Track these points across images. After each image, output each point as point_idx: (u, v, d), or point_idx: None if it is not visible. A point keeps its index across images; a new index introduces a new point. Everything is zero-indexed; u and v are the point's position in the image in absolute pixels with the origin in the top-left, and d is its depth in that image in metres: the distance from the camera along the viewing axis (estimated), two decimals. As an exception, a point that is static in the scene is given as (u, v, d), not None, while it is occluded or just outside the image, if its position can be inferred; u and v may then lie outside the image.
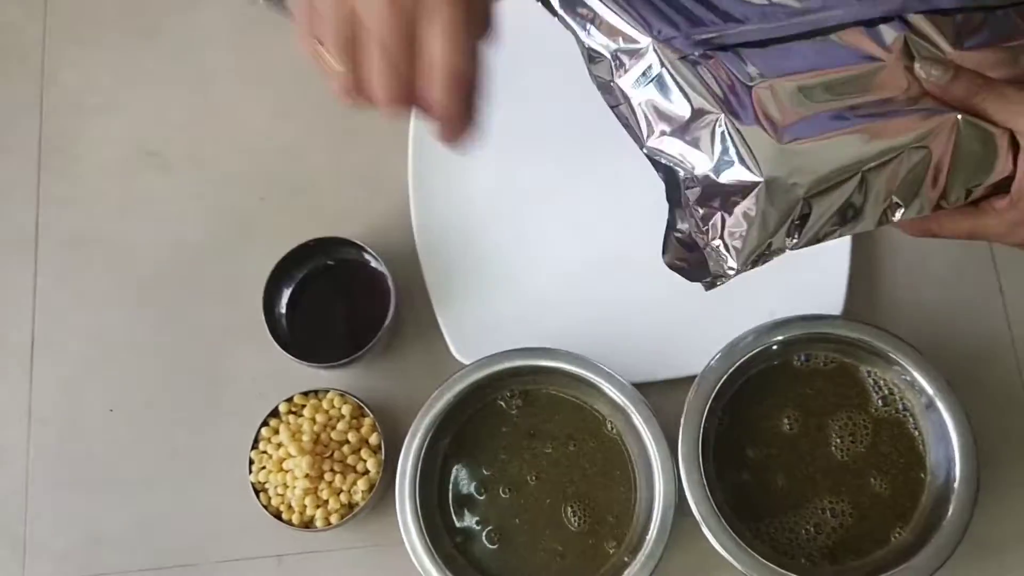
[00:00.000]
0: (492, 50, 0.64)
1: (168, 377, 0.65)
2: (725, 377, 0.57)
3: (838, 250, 0.61)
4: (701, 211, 0.42)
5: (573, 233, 0.64)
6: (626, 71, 0.43)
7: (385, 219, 0.66)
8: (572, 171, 0.65)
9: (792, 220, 0.41)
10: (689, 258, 0.45)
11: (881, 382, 0.58)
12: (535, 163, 0.65)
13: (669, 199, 0.44)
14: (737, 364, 0.57)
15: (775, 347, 0.58)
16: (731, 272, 0.43)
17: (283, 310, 0.63)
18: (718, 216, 0.42)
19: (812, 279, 0.61)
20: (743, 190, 0.40)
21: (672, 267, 0.47)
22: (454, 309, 0.63)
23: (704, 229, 0.42)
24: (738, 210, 0.41)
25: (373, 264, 0.63)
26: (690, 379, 0.57)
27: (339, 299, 0.64)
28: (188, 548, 0.62)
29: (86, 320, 0.67)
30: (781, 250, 0.43)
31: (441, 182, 0.65)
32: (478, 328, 0.62)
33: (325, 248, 0.63)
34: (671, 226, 0.45)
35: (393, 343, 0.64)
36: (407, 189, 0.65)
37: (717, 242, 0.42)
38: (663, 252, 0.47)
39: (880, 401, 0.58)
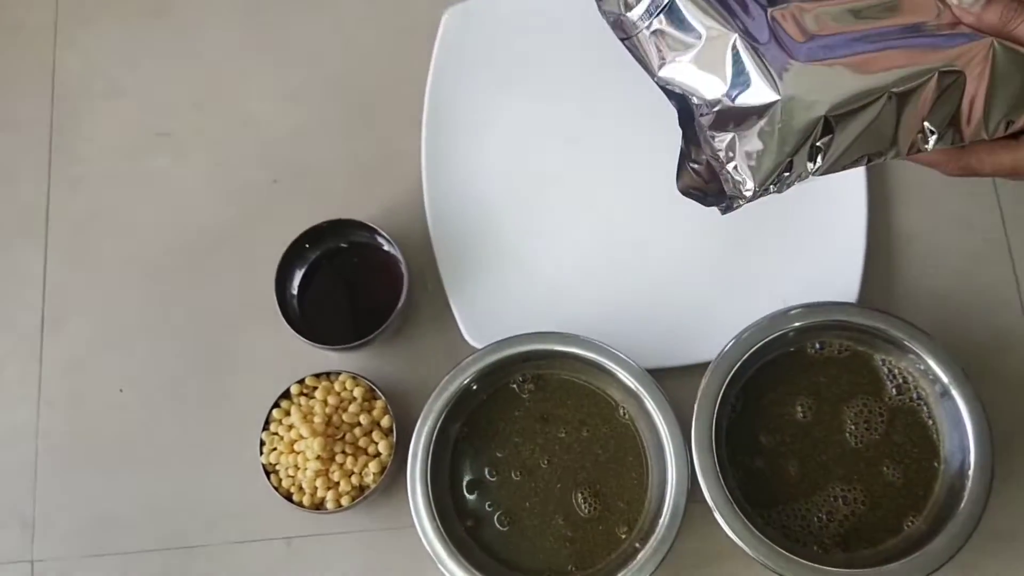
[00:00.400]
0: (505, 36, 0.64)
1: (178, 358, 0.65)
2: (738, 364, 0.56)
3: (853, 237, 0.61)
4: (716, 136, 0.41)
5: (587, 218, 0.64)
6: (637, 3, 0.43)
7: (398, 202, 0.66)
8: (587, 155, 0.65)
9: (813, 141, 0.40)
10: (704, 185, 0.45)
11: (896, 370, 0.58)
12: (549, 147, 0.65)
13: (683, 127, 0.44)
14: (751, 351, 0.57)
15: (789, 334, 0.57)
16: (748, 194, 0.42)
17: (295, 292, 0.63)
18: (733, 138, 0.41)
19: (827, 266, 0.61)
20: (760, 110, 0.40)
21: (686, 193, 0.46)
22: (466, 293, 0.63)
23: (719, 153, 0.42)
24: (755, 130, 0.40)
25: (386, 247, 0.62)
26: (703, 366, 0.57)
27: (352, 282, 0.64)
28: (197, 529, 0.62)
29: (96, 301, 0.67)
30: (803, 175, 0.42)
31: (455, 165, 0.65)
32: (490, 312, 0.62)
33: (338, 230, 0.63)
34: (685, 155, 0.45)
35: (405, 326, 0.64)
36: (420, 172, 0.64)
37: (733, 164, 0.41)
38: (677, 179, 0.46)
39: (894, 390, 0.58)
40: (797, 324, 0.57)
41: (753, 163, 0.41)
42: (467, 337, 0.62)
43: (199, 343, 0.66)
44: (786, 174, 0.41)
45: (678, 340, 0.61)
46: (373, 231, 0.62)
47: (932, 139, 0.42)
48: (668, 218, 0.63)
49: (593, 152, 0.65)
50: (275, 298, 0.61)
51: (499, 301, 0.62)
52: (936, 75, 0.40)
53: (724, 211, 0.45)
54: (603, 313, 0.61)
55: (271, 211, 0.67)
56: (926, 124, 0.41)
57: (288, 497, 0.58)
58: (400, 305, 0.60)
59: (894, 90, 0.40)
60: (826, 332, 0.58)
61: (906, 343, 0.56)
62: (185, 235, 0.68)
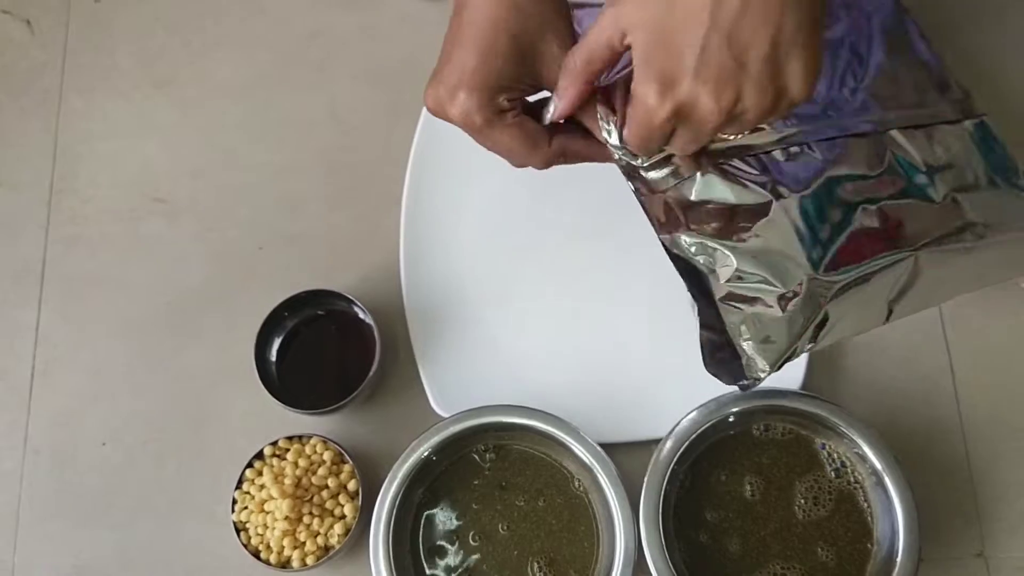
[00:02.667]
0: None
1: (160, 415, 0.68)
2: (687, 443, 0.60)
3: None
4: (728, 308, 0.48)
5: (553, 298, 0.67)
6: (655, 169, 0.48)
7: (376, 273, 0.69)
8: (556, 239, 0.68)
9: (814, 324, 0.47)
10: (723, 358, 0.50)
11: (835, 455, 0.61)
12: (521, 229, 0.69)
13: (692, 295, 0.49)
14: (699, 431, 0.60)
15: (733, 418, 0.61)
16: (762, 375, 0.48)
17: (273, 357, 0.66)
18: (744, 314, 0.48)
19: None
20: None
21: (715, 375, 0.51)
22: (436, 363, 0.66)
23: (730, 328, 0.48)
24: (765, 311, 0.47)
25: (361, 316, 0.66)
26: (655, 442, 0.60)
27: (327, 348, 0.67)
28: (169, 581, 0.64)
29: (85, 355, 0.70)
30: (800, 352, 0.49)
31: (431, 242, 0.68)
32: (458, 382, 0.65)
33: (316, 299, 0.66)
34: (703, 325, 0.50)
35: (376, 393, 0.67)
36: (398, 246, 0.68)
37: (747, 345, 0.48)
38: (704, 363, 0.51)
39: (833, 473, 0.61)
40: (742, 407, 0.60)
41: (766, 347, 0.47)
42: (434, 406, 0.64)
43: (180, 401, 0.68)
44: (791, 356, 0.48)
45: (633, 417, 0.64)
46: (350, 301, 0.65)
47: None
48: (629, 302, 0.66)
49: (563, 237, 0.68)
50: (255, 363, 0.64)
51: (466, 372, 0.65)
52: None
53: (743, 389, 0.51)
54: (563, 388, 0.64)
55: (255, 276, 0.71)
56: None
57: (256, 555, 0.61)
58: (372, 373, 0.63)
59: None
60: (770, 416, 0.62)
61: (843, 429, 0.60)
62: (173, 296, 0.71)
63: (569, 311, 0.67)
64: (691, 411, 0.61)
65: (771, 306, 0.47)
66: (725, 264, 0.47)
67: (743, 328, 0.47)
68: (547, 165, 0.49)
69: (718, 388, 0.60)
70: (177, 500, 0.66)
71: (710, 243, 0.47)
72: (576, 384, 0.65)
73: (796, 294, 0.46)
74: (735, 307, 0.47)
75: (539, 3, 0.45)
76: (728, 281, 0.47)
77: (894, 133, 0.52)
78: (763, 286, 0.47)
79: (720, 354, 0.50)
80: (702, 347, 0.50)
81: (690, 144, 0.44)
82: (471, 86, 0.45)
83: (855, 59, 0.55)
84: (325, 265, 0.70)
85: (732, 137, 0.48)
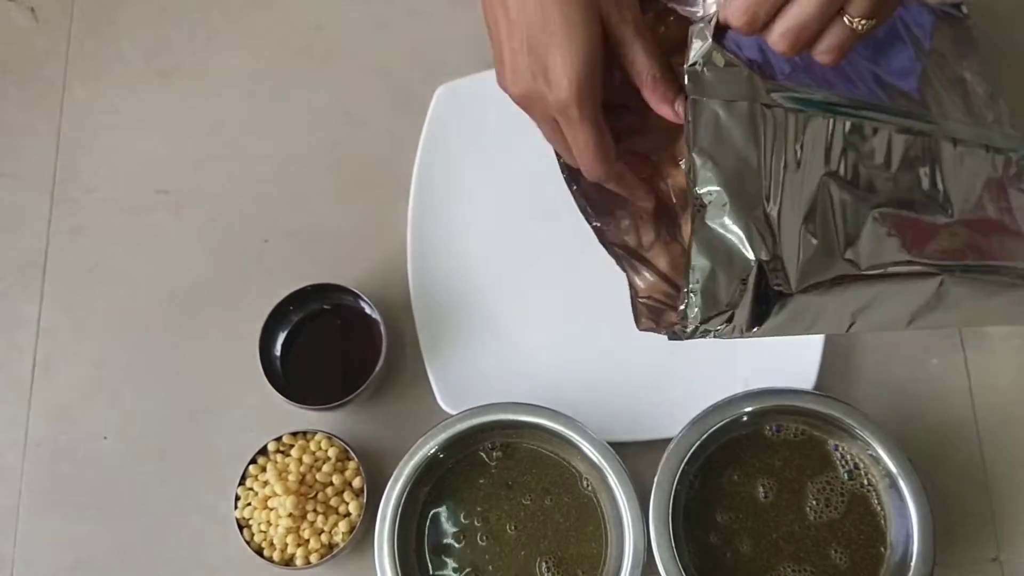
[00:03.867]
0: (492, 114, 0.67)
1: (163, 409, 0.67)
2: (698, 443, 0.59)
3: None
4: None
5: (562, 293, 0.67)
6: None
7: (382, 268, 0.68)
8: (565, 233, 0.66)
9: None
10: (657, 320, 0.51)
11: (848, 456, 0.60)
12: (530, 223, 0.68)
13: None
14: (710, 431, 0.59)
15: (745, 418, 0.60)
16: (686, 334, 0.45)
17: (278, 352, 0.66)
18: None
19: (787, 352, 0.63)
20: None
21: (647, 329, 0.51)
22: (443, 360, 0.65)
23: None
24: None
25: (367, 311, 0.65)
26: (666, 441, 0.59)
27: (332, 343, 0.66)
28: (170, 578, 0.64)
29: (87, 349, 0.69)
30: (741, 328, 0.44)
31: (439, 236, 0.68)
32: (465, 380, 0.64)
33: (322, 293, 0.65)
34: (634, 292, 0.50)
35: (382, 389, 0.66)
36: (405, 240, 0.67)
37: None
38: (635, 320, 0.51)
39: (846, 475, 0.60)
40: (755, 407, 0.60)
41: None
42: (441, 403, 0.63)
43: (183, 395, 0.67)
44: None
45: (642, 416, 0.63)
46: (356, 296, 0.64)
47: None
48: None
49: (572, 232, 0.65)
50: (259, 357, 0.63)
51: (474, 369, 0.64)
52: None
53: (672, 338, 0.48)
54: (572, 386, 0.63)
55: (260, 270, 0.70)
56: None
57: (259, 552, 0.60)
58: (378, 369, 0.62)
59: None
60: (782, 416, 0.61)
61: (857, 431, 0.59)
62: (177, 289, 0.70)
63: (579, 308, 0.66)
64: (702, 411, 0.60)
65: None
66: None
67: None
68: (603, 178, 0.47)
69: (730, 388, 0.60)
70: (179, 496, 0.65)
71: None
72: (585, 382, 0.64)
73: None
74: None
75: None
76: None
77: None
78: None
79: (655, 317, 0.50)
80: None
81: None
82: (577, 73, 0.42)
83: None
84: (331, 259, 0.69)
85: None
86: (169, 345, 0.69)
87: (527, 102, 0.45)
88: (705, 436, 0.59)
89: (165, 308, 0.70)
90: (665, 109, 0.45)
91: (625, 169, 0.48)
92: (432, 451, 0.60)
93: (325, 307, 0.66)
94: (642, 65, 0.44)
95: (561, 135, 0.46)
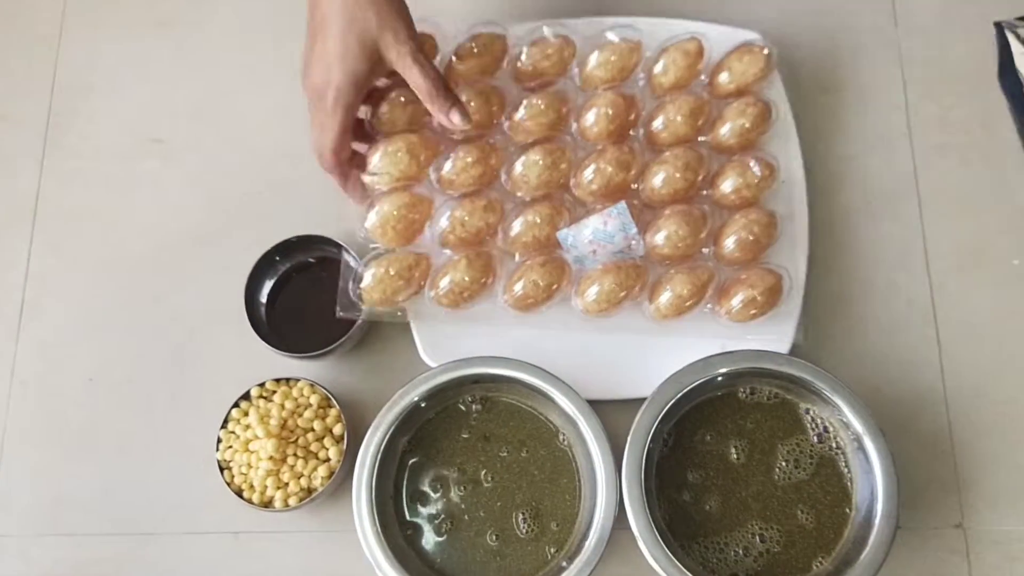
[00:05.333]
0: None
1: (148, 353, 0.68)
2: (672, 402, 0.60)
3: (792, 293, 0.64)
4: None
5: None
6: None
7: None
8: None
9: None
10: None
11: (818, 420, 0.61)
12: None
13: None
14: (684, 391, 0.60)
15: (720, 378, 0.61)
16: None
17: (263, 300, 0.66)
18: None
19: (765, 319, 0.64)
20: None
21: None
22: (427, 313, 0.65)
23: None
24: None
25: (352, 264, 0.65)
26: (639, 401, 0.60)
27: (317, 294, 0.66)
28: (150, 517, 0.64)
29: (75, 291, 0.70)
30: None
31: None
32: (447, 334, 0.65)
33: (309, 244, 0.66)
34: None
35: (365, 340, 0.67)
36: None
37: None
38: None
39: (816, 438, 0.61)
40: (730, 368, 0.61)
41: None
42: (423, 355, 0.65)
43: (169, 340, 0.68)
44: None
45: (620, 375, 0.64)
46: (340, 247, 0.65)
47: None
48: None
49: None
50: (244, 305, 0.64)
51: (457, 324, 0.65)
52: None
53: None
54: (553, 344, 0.64)
55: (250, 220, 0.70)
56: None
57: (239, 493, 0.61)
58: (360, 320, 0.63)
59: None
60: (757, 378, 0.62)
61: (828, 394, 0.60)
62: (166, 236, 0.70)
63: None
64: (677, 370, 0.60)
65: None
66: None
67: None
68: (331, 165, 0.62)
69: (706, 350, 0.61)
70: (161, 437, 0.66)
71: None
72: (566, 340, 0.65)
73: None
74: None
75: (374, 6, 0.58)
76: None
77: None
78: None
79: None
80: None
81: None
82: (339, 85, 0.58)
83: None
84: (320, 213, 0.69)
85: None
86: (157, 290, 0.69)
87: (314, 94, 0.60)
88: (680, 395, 0.60)
89: (154, 254, 0.70)
90: (443, 119, 0.60)
91: (352, 171, 0.64)
92: (413, 401, 0.61)
93: (311, 259, 0.67)
94: (418, 85, 0.59)
95: (319, 122, 0.61)
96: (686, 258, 0.64)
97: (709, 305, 0.63)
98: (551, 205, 0.64)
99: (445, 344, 0.64)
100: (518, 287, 0.63)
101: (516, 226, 0.64)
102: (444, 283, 0.63)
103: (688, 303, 0.62)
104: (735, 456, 0.61)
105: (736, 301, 0.62)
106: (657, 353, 0.63)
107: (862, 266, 0.68)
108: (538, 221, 0.63)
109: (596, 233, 0.63)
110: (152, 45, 0.75)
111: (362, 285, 0.63)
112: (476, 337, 0.65)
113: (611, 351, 0.65)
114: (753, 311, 0.62)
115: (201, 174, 0.72)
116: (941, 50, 0.72)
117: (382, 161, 0.63)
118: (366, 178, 0.64)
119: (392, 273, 0.63)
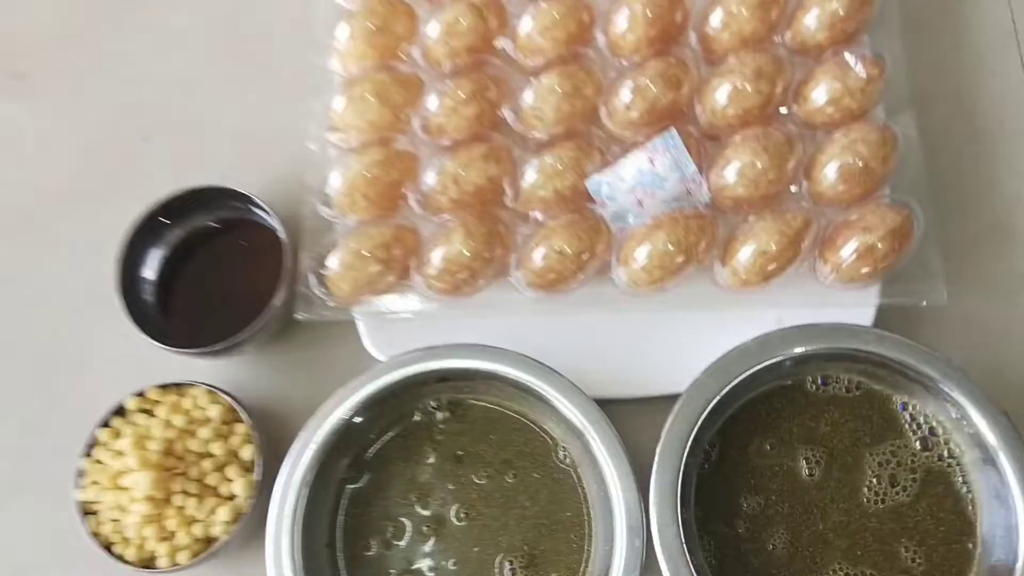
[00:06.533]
0: None
1: (2, 353, 0.58)
2: (716, 400, 0.48)
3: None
4: None
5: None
6: None
7: (291, 174, 0.57)
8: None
9: None
10: None
11: (921, 418, 0.49)
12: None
13: None
14: (732, 383, 0.48)
15: (785, 364, 0.49)
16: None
17: (151, 276, 0.54)
18: None
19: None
20: None
21: None
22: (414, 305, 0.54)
23: None
24: None
25: (270, 225, 0.53)
26: (671, 399, 0.49)
27: (225, 270, 0.56)
28: (0, 580, 0.54)
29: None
30: None
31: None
32: (401, 318, 0.53)
33: (209, 201, 0.55)
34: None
35: (288, 328, 0.56)
36: (322, 140, 0.55)
37: None
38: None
39: (919, 444, 0.49)
40: (795, 351, 0.49)
41: None
42: (368, 346, 0.54)
43: (28, 334, 0.58)
44: None
45: (639, 367, 0.52)
46: (248, 201, 0.54)
47: None
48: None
49: None
50: (118, 284, 0.52)
51: (413, 304, 0.53)
52: None
53: None
54: (544, 328, 0.53)
55: (136, 174, 0.61)
56: None
57: (108, 547, 0.49)
58: (279, 302, 0.51)
59: None
60: (832, 363, 0.50)
61: (937, 383, 0.47)
62: (25, 197, 0.62)
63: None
64: (720, 357, 0.48)
65: None
66: None
67: None
68: None
69: (759, 327, 0.49)
70: (10, 472, 0.55)
71: None
72: (561, 321, 0.53)
73: None
74: None
75: None
76: None
77: None
78: None
79: None
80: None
81: None
82: None
83: None
84: (226, 163, 0.58)
85: None
86: (14, 268, 0.59)
87: None
88: (726, 391, 0.48)
89: (13, 220, 0.60)
90: None
91: None
92: (355, 409, 0.49)
93: (212, 223, 0.55)
94: None
95: None
96: (769, 200, 0.52)
97: (805, 262, 0.51)
98: (575, 145, 0.53)
99: (397, 330, 0.53)
100: (537, 258, 0.51)
101: (530, 177, 0.53)
102: (436, 260, 0.51)
103: (776, 262, 0.50)
104: (806, 472, 0.49)
105: (846, 252, 0.50)
106: (688, 338, 0.52)
107: (965, 205, 0.55)
108: (559, 167, 0.53)
109: (640, 176, 0.52)
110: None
111: (324, 272, 0.51)
112: (438, 320, 0.53)
113: (625, 335, 0.53)
114: (868, 267, 0.50)
115: (75, 117, 0.63)
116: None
117: (346, 112, 0.52)
118: (332, 138, 0.53)
119: (365, 254, 0.51)
